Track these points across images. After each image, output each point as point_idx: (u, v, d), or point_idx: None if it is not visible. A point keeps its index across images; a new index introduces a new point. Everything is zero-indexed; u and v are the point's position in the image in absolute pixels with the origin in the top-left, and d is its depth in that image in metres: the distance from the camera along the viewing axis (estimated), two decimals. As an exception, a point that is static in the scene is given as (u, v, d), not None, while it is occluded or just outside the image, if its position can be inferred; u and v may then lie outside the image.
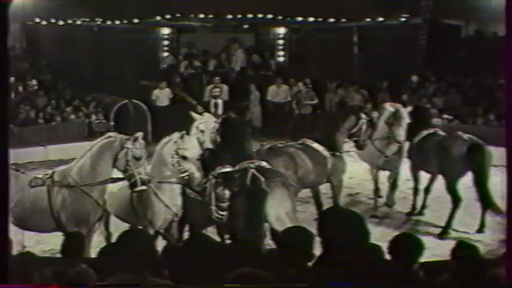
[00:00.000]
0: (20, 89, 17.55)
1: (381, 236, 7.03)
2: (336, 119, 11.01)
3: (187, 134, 8.59)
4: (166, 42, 20.50)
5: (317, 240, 4.35)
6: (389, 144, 10.83)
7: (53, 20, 19.19)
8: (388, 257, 4.39)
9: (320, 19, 18.83)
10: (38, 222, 8.16)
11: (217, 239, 8.34)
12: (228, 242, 8.23)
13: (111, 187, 8.14)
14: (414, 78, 17.80)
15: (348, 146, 10.58)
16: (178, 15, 18.66)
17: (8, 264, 4.36)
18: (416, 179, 11.07)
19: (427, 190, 11.05)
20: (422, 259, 4.47)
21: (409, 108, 11.00)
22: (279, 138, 12.59)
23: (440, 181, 10.66)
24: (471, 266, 4.51)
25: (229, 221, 8.09)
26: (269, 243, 7.61)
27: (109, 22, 19.06)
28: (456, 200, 10.11)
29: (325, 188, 10.38)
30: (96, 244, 7.78)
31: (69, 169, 8.12)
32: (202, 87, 18.71)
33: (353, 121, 10.21)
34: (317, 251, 4.36)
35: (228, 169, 8.18)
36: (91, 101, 17.71)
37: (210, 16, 18.83)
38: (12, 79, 16.46)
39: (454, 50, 18.37)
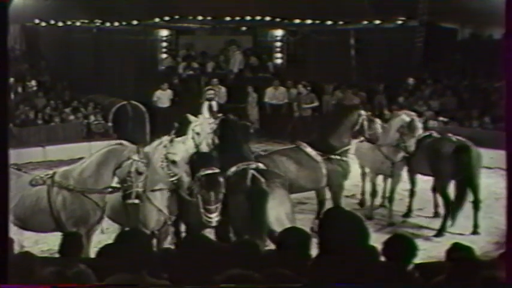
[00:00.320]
0: (20, 89, 17.57)
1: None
2: (334, 118, 10.99)
3: (179, 136, 8.64)
4: (164, 44, 20.53)
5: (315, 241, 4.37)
6: (397, 152, 10.69)
7: (52, 22, 19.29)
8: (382, 258, 4.40)
9: (318, 22, 18.94)
10: (38, 222, 8.20)
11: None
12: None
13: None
14: (410, 80, 17.82)
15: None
16: (177, 17, 18.72)
17: (8, 264, 4.35)
18: (413, 182, 11.13)
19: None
20: (417, 260, 4.49)
21: (423, 119, 10.97)
22: (277, 140, 12.68)
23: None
24: (466, 267, 4.52)
25: (222, 224, 7.94)
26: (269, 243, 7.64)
27: (108, 24, 19.12)
28: (447, 203, 10.22)
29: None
30: (95, 244, 7.79)
31: (71, 170, 8.16)
32: (201, 88, 18.76)
33: (354, 118, 10.16)
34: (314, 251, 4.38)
35: (212, 171, 7.91)
36: (90, 102, 17.76)
37: (209, 18, 18.90)
38: (11, 80, 16.50)
39: (450, 53, 18.46)
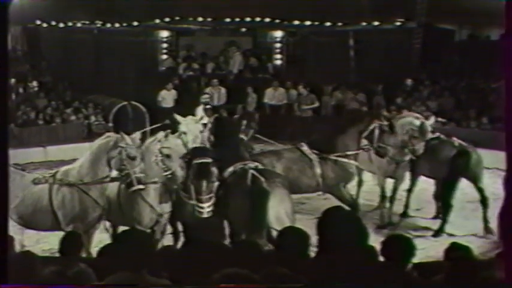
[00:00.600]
0: (21, 90, 17.63)
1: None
2: (344, 121, 10.68)
3: (172, 133, 8.73)
4: (165, 45, 20.52)
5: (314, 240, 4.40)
6: (403, 154, 10.43)
7: (53, 23, 19.36)
8: (381, 258, 4.42)
9: (317, 23, 19.03)
10: (40, 221, 8.31)
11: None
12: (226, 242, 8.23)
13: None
14: (409, 81, 17.85)
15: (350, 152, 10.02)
16: (177, 18, 18.77)
17: (8, 263, 4.39)
18: (413, 182, 11.01)
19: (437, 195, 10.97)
20: (416, 260, 4.52)
21: (432, 121, 10.83)
22: (277, 140, 12.71)
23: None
24: (464, 267, 4.53)
25: (212, 218, 7.94)
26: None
27: (109, 25, 19.16)
28: (447, 205, 10.22)
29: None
30: (96, 243, 7.88)
31: (71, 168, 8.29)
32: (201, 89, 18.83)
33: (365, 124, 9.68)
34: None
35: (205, 160, 7.96)
36: (90, 103, 17.82)
37: (209, 19, 18.96)
38: (13, 80, 16.58)
39: (448, 54, 18.54)
